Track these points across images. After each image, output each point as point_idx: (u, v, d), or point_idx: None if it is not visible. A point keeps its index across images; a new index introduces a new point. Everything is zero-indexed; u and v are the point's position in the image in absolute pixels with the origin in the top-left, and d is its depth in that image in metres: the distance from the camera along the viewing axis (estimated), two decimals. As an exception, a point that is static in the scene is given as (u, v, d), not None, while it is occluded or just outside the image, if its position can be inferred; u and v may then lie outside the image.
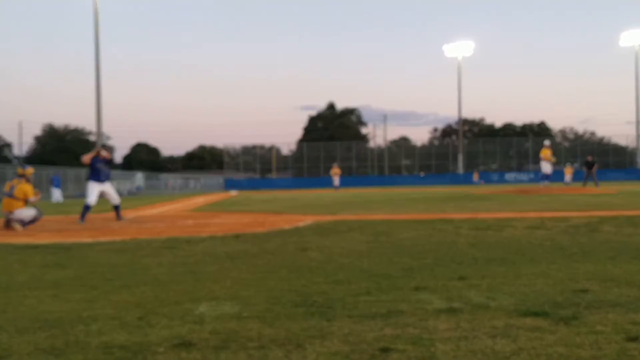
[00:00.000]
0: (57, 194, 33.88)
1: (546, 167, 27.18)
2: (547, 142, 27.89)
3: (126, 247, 8.11)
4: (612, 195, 20.61)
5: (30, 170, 12.18)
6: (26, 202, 11.49)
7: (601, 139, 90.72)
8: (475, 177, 63.75)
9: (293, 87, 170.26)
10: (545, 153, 26.91)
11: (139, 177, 71.43)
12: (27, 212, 11.43)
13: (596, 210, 12.63)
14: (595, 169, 32.96)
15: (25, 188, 11.61)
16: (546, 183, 27.04)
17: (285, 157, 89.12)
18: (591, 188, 28.85)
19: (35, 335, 3.55)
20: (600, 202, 15.99)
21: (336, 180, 43.80)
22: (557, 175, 33.28)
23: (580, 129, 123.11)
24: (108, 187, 13.43)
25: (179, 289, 4.96)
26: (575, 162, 73.62)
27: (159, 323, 3.79)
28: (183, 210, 19.41)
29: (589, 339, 3.28)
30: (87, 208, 12.86)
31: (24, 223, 11.27)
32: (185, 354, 3.16)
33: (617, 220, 10.28)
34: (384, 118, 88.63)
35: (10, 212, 11.38)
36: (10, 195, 11.51)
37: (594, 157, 34.22)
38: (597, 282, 4.90)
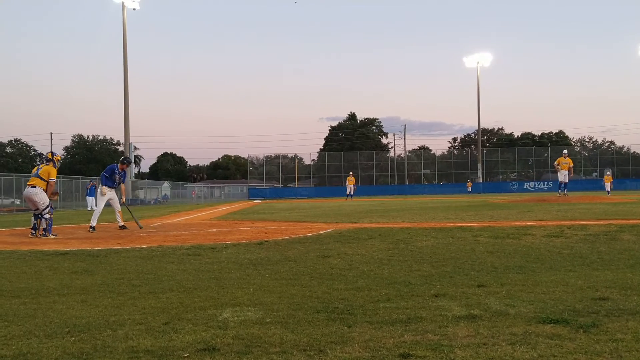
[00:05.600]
0: (91, 202, 34.56)
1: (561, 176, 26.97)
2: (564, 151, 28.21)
3: (152, 254, 8.23)
4: (631, 204, 20.31)
5: (58, 156, 12.55)
6: (48, 184, 11.69)
7: (621, 148, 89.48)
8: (469, 186, 64.88)
9: (320, 99, 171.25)
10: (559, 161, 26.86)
11: (165, 187, 72.24)
12: (44, 198, 11.61)
13: (615, 219, 12.46)
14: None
15: (50, 170, 11.88)
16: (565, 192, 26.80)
17: (308, 167, 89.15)
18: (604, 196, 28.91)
19: (64, 340, 3.64)
20: (620, 211, 15.75)
21: (350, 189, 44.54)
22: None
23: (599, 138, 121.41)
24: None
25: (204, 295, 5.04)
26: (595, 172, 72.87)
27: (184, 328, 3.87)
28: (208, 218, 19.56)
29: (609, 347, 3.28)
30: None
31: (46, 230, 11.49)
32: (209, 358, 3.22)
33: (637, 228, 10.15)
34: (404, 128, 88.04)
35: (33, 186, 11.62)
36: (37, 175, 11.80)
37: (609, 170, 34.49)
38: (616, 290, 4.89)
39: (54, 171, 11.93)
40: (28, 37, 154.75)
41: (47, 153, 12.63)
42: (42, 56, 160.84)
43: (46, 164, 12.05)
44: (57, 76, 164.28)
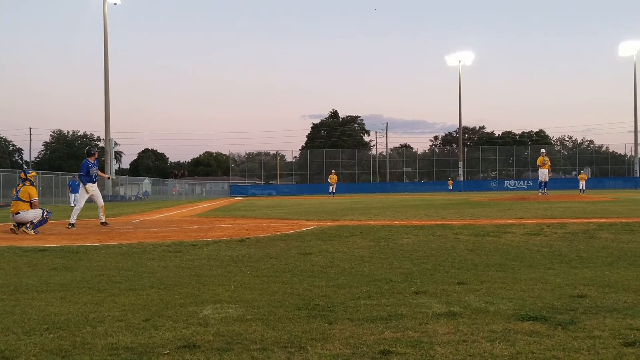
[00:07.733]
0: (74, 198, 34.27)
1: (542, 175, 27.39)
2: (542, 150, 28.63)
3: (133, 250, 8.17)
4: (609, 203, 20.54)
5: (32, 173, 12.53)
6: (31, 205, 11.66)
7: (600, 147, 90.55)
8: (450, 184, 65.61)
9: (302, 96, 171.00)
10: (541, 160, 27.21)
11: (146, 183, 71.83)
12: (34, 213, 11.61)
13: (594, 217, 12.61)
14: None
15: (30, 190, 11.94)
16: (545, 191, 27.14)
17: (290, 164, 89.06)
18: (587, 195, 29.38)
19: (42, 337, 3.61)
20: (598, 209, 15.92)
21: (332, 187, 44.76)
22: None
23: (579, 137, 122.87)
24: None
25: (184, 292, 5.02)
26: (574, 171, 74.00)
27: (164, 325, 3.85)
28: (189, 215, 19.46)
29: (587, 343, 3.32)
30: None
31: (34, 225, 11.52)
32: (189, 355, 3.21)
33: (615, 227, 10.27)
34: (386, 126, 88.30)
35: (17, 213, 11.58)
36: (17, 198, 11.80)
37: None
38: (594, 287, 4.95)
39: (34, 190, 12.00)
40: (6, 31, 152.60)
41: (20, 173, 12.65)
42: (21, 51, 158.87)
43: (23, 184, 12.05)
44: (36, 71, 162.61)
